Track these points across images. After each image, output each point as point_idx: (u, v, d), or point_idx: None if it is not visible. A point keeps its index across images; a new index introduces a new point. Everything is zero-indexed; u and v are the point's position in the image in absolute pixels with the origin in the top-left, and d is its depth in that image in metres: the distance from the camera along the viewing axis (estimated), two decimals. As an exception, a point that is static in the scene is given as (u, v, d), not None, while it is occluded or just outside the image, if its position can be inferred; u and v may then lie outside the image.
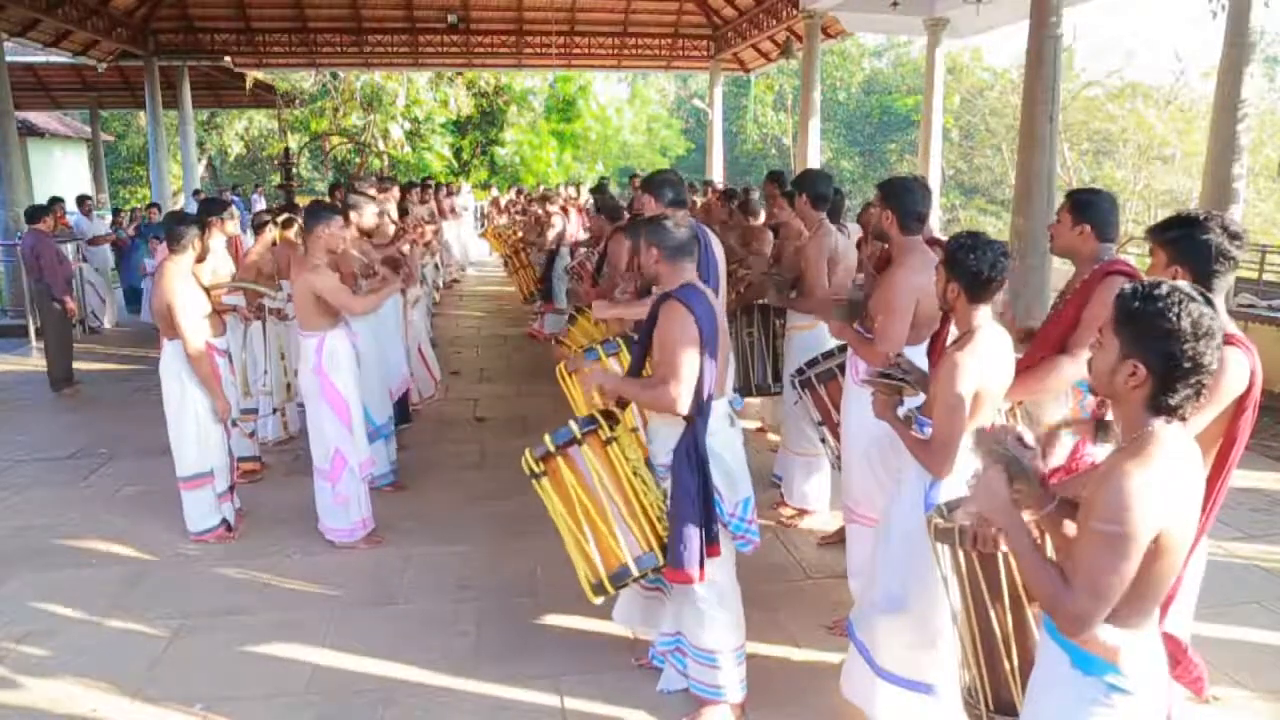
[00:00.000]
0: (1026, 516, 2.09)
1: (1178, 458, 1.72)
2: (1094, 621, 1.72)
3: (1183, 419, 1.73)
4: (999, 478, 1.94)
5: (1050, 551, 2.14)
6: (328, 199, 12.27)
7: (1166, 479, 1.68)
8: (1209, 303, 1.69)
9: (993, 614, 2.21)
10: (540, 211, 10.51)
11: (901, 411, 2.83)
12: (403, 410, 6.20)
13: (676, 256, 2.98)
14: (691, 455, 2.90)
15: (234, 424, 4.84)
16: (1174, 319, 1.65)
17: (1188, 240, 2.40)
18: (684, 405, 2.85)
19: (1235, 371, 2.34)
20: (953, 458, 2.60)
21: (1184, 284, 1.71)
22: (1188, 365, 1.66)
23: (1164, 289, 1.69)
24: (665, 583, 3.20)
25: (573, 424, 2.94)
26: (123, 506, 5.09)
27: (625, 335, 4.04)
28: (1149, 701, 1.79)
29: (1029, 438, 2.11)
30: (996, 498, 1.92)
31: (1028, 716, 1.96)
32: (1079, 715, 1.78)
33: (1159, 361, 1.68)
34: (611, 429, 2.98)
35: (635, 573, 2.93)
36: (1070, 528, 1.99)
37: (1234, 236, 2.38)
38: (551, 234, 9.68)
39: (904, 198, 3.37)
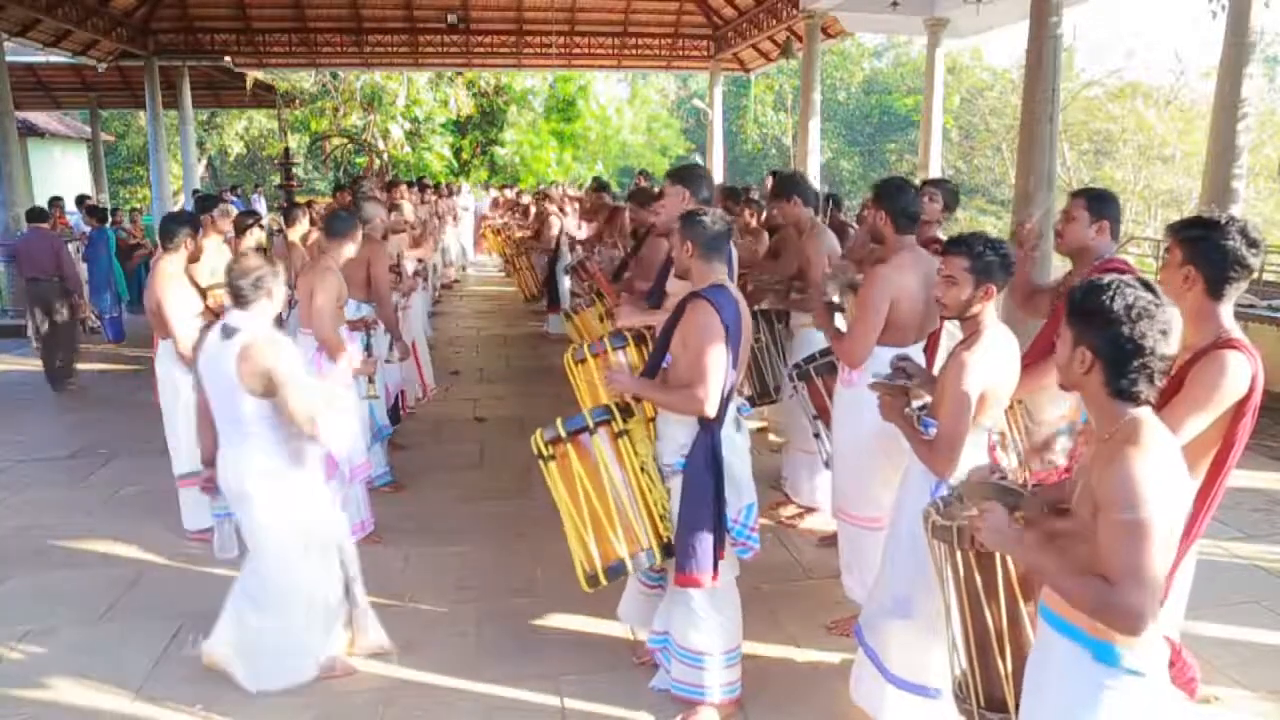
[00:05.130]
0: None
1: (1168, 445, 1.77)
2: (1152, 612, 1.69)
3: (1146, 402, 1.78)
4: (1000, 517, 1.94)
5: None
6: (329, 199, 12.30)
7: (1165, 463, 1.73)
8: (1151, 290, 1.77)
9: (988, 613, 2.22)
10: (528, 204, 10.52)
11: (905, 411, 2.84)
12: (393, 412, 6.17)
13: (710, 253, 2.95)
14: (709, 459, 2.87)
15: None
16: (1109, 303, 1.75)
17: (1206, 243, 2.39)
18: (712, 408, 2.83)
19: (1236, 375, 2.33)
20: (957, 458, 2.60)
21: (1128, 276, 1.80)
22: (1130, 347, 1.74)
23: (1106, 280, 1.79)
24: (664, 580, 3.20)
25: (586, 413, 2.94)
26: (122, 506, 5.09)
27: (635, 331, 4.02)
28: (1158, 681, 1.82)
29: (1007, 460, 2.13)
30: (1005, 537, 1.93)
31: (1035, 706, 1.95)
32: (1093, 700, 1.79)
33: (1103, 345, 1.76)
34: (625, 421, 2.96)
35: (630, 568, 2.93)
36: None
37: (1252, 244, 2.37)
38: (551, 232, 9.68)
39: (897, 198, 3.39)
